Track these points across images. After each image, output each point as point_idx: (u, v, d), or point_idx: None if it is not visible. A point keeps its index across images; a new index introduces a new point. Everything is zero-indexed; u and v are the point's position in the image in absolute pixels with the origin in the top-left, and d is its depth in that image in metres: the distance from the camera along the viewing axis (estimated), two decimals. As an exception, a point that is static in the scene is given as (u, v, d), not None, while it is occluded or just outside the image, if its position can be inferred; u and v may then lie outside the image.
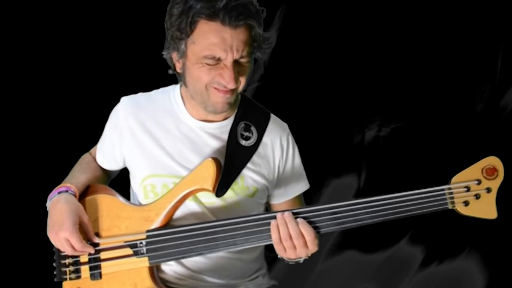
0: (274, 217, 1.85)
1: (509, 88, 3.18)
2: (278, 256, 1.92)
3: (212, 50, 1.81)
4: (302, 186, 2.21)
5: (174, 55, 1.94)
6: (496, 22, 3.15)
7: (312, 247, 1.82)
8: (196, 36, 1.83)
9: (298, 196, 2.21)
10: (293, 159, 2.17)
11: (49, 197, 2.01)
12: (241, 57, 1.85)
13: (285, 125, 2.19)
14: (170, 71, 2.03)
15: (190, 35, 1.83)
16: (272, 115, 2.17)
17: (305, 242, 1.81)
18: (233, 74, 1.84)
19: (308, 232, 1.80)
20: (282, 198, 2.18)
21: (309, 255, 1.87)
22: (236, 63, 1.85)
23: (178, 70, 1.98)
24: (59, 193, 1.99)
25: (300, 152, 2.21)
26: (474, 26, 3.15)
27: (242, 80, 1.92)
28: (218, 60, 1.84)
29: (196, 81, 1.91)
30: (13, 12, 2.90)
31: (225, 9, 1.76)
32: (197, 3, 1.78)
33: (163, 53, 1.97)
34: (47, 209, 1.99)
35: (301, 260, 1.93)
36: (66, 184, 2.02)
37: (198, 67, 1.87)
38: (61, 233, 1.89)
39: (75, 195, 1.99)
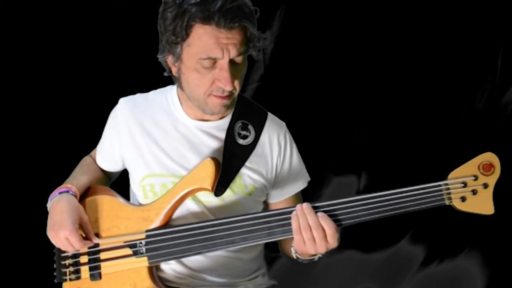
0: (272, 216, 1.88)
1: (509, 88, 3.18)
2: (293, 253, 1.93)
3: (208, 51, 1.82)
4: (300, 184, 2.21)
5: (169, 59, 1.94)
6: (496, 22, 3.16)
7: (332, 241, 1.81)
8: (192, 39, 1.83)
9: (296, 195, 2.21)
10: (291, 157, 2.17)
11: (50, 197, 2.03)
12: (237, 56, 1.85)
13: (282, 123, 2.19)
14: (166, 74, 2.03)
15: (186, 39, 1.84)
16: (269, 113, 2.17)
17: (325, 235, 1.80)
18: (229, 75, 1.85)
19: (329, 225, 1.79)
20: (280, 197, 2.19)
21: (329, 249, 1.85)
22: (231, 64, 1.86)
23: (174, 73, 1.98)
24: (60, 193, 2.01)
25: (300, 152, 2.21)
26: (474, 26, 3.15)
27: (238, 82, 1.92)
28: (214, 62, 1.85)
29: (193, 88, 1.93)
30: (11, 12, 2.91)
31: (219, 12, 1.76)
32: (192, 6, 1.78)
33: (158, 56, 1.97)
34: (48, 209, 2.01)
35: (316, 258, 1.93)
36: (67, 185, 2.04)
37: (194, 72, 1.88)
38: (61, 232, 1.90)
39: (75, 196, 2.01)
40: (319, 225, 1.80)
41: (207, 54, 1.82)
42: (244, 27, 1.84)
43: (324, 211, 1.84)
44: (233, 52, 1.83)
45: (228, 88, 1.87)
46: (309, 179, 2.25)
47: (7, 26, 2.93)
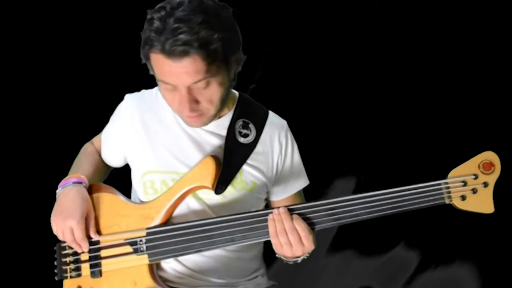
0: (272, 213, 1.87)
1: (509, 87, 3.18)
2: (277, 256, 1.93)
3: (164, 77, 1.81)
4: (302, 182, 2.23)
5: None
6: (496, 22, 3.16)
7: (308, 244, 1.82)
8: (152, 63, 1.82)
9: (298, 193, 2.23)
10: (292, 155, 2.17)
11: (61, 184, 2.04)
12: (196, 83, 1.80)
13: (283, 121, 2.20)
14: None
15: (148, 61, 1.84)
16: (270, 112, 2.18)
17: (300, 238, 1.82)
18: (187, 102, 1.83)
19: (301, 228, 1.82)
20: (282, 195, 2.20)
21: (306, 253, 1.87)
22: (193, 88, 1.82)
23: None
24: (73, 183, 2.02)
25: (299, 152, 2.22)
26: (474, 26, 3.16)
27: (208, 104, 1.88)
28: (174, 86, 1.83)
29: (168, 104, 1.94)
30: (14, 11, 2.92)
31: (167, 43, 1.71)
32: (149, 32, 1.76)
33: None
34: (57, 195, 2.02)
35: (299, 260, 1.93)
36: (80, 176, 2.06)
37: (164, 91, 1.88)
38: (69, 221, 1.92)
39: (86, 189, 2.03)
40: (295, 229, 1.82)
41: (163, 79, 1.82)
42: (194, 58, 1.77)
43: (300, 214, 1.86)
44: (187, 81, 1.79)
45: (186, 114, 1.87)
46: (308, 181, 2.27)
47: (9, 25, 2.94)
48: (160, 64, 1.78)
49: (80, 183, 2.03)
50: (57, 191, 2.04)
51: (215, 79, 1.83)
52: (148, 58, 1.83)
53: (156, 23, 1.75)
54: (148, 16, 1.80)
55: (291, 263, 1.94)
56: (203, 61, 1.75)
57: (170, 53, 1.73)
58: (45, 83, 3.01)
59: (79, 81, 3.02)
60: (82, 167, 2.15)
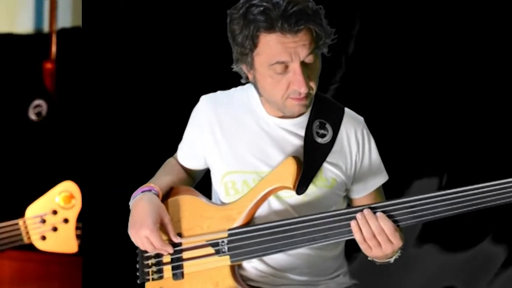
0: (353, 213, 1.86)
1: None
2: (369, 259, 1.92)
3: (276, 57, 1.83)
4: (381, 178, 2.20)
5: (244, 67, 1.98)
6: (498, 22, 3.11)
7: (396, 241, 1.80)
8: (260, 48, 1.85)
9: (378, 189, 2.20)
10: (370, 152, 2.16)
11: (132, 195, 2.07)
12: (308, 56, 1.85)
13: (360, 118, 2.19)
14: (243, 81, 2.06)
15: (254, 49, 1.86)
16: (346, 109, 2.17)
17: (388, 237, 1.80)
18: (303, 78, 1.85)
19: (386, 226, 1.79)
20: (362, 192, 2.18)
21: (396, 251, 1.87)
22: (303, 65, 1.86)
23: (251, 80, 2.01)
24: (142, 192, 2.04)
25: (378, 150, 2.20)
26: (475, 26, 3.12)
27: (313, 82, 1.92)
28: (286, 67, 1.85)
29: (270, 93, 1.95)
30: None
31: (282, 19, 1.77)
32: (255, 16, 1.81)
33: (232, 66, 2.01)
34: (130, 207, 2.05)
35: (392, 260, 1.93)
36: (149, 184, 2.08)
37: (269, 79, 1.90)
38: (142, 231, 1.94)
39: (157, 195, 2.04)
40: (381, 229, 1.80)
41: (276, 59, 1.84)
42: (310, 28, 1.84)
43: (387, 210, 1.83)
44: (302, 54, 1.83)
45: (304, 90, 1.87)
46: (387, 176, 2.24)
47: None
48: (273, 44, 1.82)
49: (150, 191, 2.05)
50: (129, 203, 2.07)
51: (319, 52, 1.90)
52: (255, 46, 1.85)
53: (260, 7, 1.80)
54: (241, 10, 1.85)
55: (382, 263, 1.94)
56: (315, 30, 1.83)
57: (288, 29, 1.78)
58: (128, 89, 3.09)
59: (156, 88, 3.09)
60: (157, 177, 2.19)
